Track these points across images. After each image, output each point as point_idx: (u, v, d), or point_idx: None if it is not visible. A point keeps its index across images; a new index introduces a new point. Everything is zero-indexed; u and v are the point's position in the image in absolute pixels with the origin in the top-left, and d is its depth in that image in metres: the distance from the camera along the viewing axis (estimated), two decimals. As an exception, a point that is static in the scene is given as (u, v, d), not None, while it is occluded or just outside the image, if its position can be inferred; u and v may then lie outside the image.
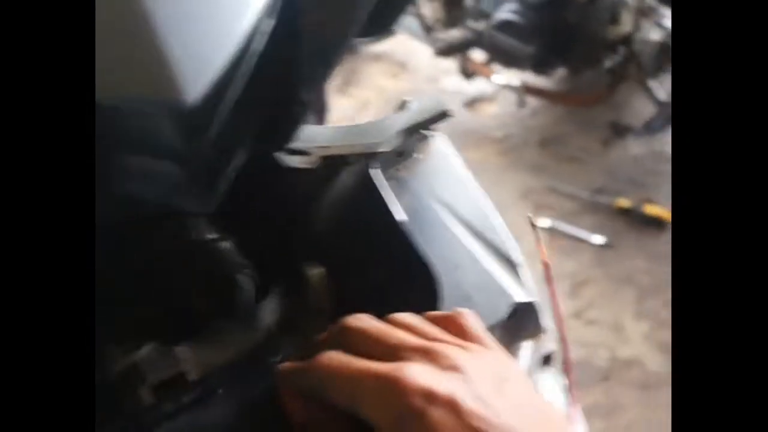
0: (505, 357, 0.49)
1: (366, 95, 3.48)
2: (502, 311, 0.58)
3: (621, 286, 2.52)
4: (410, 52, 3.72)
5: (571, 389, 0.61)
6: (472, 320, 0.50)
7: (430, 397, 0.42)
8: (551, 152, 3.08)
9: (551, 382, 0.64)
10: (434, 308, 0.57)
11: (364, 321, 0.50)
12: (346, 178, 0.64)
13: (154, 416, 0.51)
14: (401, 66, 3.71)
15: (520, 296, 0.60)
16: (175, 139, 0.35)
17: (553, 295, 0.61)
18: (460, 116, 3.30)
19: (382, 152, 0.61)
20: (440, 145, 0.69)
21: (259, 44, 0.37)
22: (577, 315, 2.44)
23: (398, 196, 0.64)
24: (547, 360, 0.64)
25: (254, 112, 0.40)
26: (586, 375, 2.25)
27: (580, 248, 2.66)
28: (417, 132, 0.63)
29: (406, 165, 0.66)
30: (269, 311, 0.59)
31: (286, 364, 0.51)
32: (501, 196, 2.82)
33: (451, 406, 0.42)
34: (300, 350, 0.54)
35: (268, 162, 0.56)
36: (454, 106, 3.24)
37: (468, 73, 3.09)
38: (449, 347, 0.47)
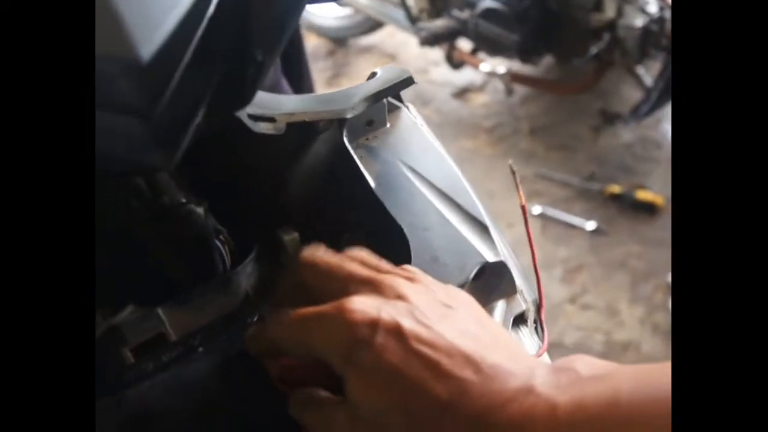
0: (453, 288, 0.51)
1: (356, 88, 3.49)
2: (471, 270, 0.60)
3: (615, 272, 2.54)
4: (400, 44, 3.74)
5: (543, 329, 0.62)
6: (415, 270, 0.53)
7: (375, 325, 0.44)
8: (541, 140, 3.10)
9: (525, 341, 0.66)
10: (403, 269, 0.59)
11: (316, 254, 0.52)
12: (319, 146, 0.66)
13: (134, 375, 0.53)
14: (391, 57, 3.73)
15: (489, 256, 0.62)
16: (132, 96, 0.37)
17: (529, 236, 0.63)
18: (450, 106, 3.32)
19: (348, 118, 0.63)
20: (409, 115, 0.71)
21: (209, 3, 0.39)
22: (572, 300, 2.46)
23: (369, 163, 0.66)
24: (519, 319, 0.66)
25: (209, 70, 0.42)
26: (582, 358, 2.26)
27: (572, 235, 2.68)
28: (382, 99, 0.65)
29: (376, 134, 0.68)
30: (245, 275, 0.61)
31: (249, 332, 0.54)
32: (493, 185, 2.83)
33: (396, 331, 0.44)
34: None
35: (235, 128, 0.57)
36: (443, 96, 3.26)
37: (455, 62, 3.10)
38: (396, 278, 0.49)
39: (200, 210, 0.59)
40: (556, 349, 2.29)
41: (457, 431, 0.42)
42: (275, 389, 0.51)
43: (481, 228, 0.64)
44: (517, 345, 0.48)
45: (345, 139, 0.64)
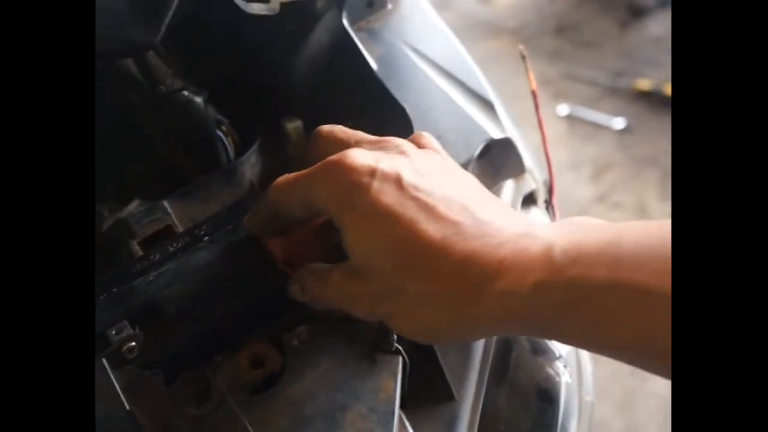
0: (455, 163, 0.50)
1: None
2: (476, 147, 0.59)
3: (644, 169, 2.50)
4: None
5: (554, 209, 0.62)
6: (430, 137, 0.52)
7: (373, 172, 0.44)
8: (568, 38, 3.03)
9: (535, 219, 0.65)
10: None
11: (333, 126, 0.52)
12: (319, 34, 0.65)
13: (142, 266, 0.53)
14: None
15: (495, 133, 0.61)
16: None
17: (539, 119, 0.62)
18: (473, 9, 3.25)
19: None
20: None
21: None
22: (601, 199, 2.43)
23: (370, 46, 0.64)
24: (529, 199, 0.65)
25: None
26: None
27: (600, 133, 2.64)
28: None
29: (377, 17, 0.67)
30: (250, 165, 0.60)
31: (247, 217, 0.53)
32: (519, 86, 2.76)
33: (394, 178, 0.44)
34: None
35: (232, 15, 0.56)
36: (465, -1, 3.19)
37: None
38: (402, 140, 0.49)
39: (199, 99, 0.58)
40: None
41: (447, 271, 0.42)
42: (277, 272, 0.51)
43: (487, 106, 0.63)
44: (518, 213, 0.48)
45: (345, 21, 0.63)
